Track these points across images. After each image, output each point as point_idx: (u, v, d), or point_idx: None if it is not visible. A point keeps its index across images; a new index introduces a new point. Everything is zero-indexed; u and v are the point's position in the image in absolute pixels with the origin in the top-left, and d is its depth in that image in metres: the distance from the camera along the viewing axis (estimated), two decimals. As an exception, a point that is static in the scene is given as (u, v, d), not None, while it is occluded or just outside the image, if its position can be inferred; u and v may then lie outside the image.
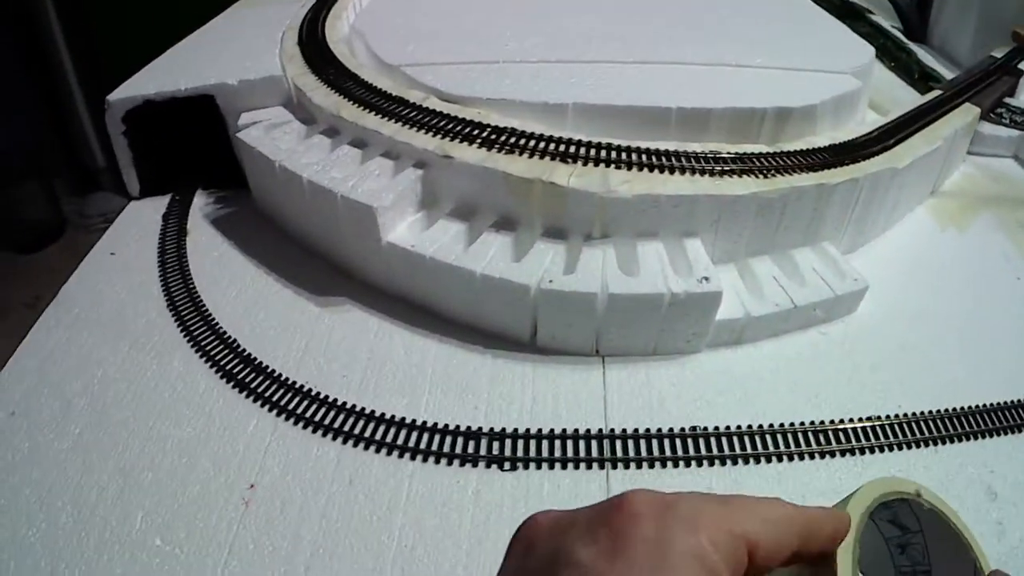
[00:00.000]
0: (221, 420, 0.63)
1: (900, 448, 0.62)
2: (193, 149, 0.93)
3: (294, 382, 0.67)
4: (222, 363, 0.69)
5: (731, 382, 0.67)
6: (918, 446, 0.62)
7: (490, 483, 0.58)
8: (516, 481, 0.58)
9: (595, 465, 0.59)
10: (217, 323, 0.74)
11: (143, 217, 0.93)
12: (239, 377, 0.67)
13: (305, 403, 0.64)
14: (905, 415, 0.64)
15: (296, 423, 0.63)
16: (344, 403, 0.64)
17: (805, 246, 0.75)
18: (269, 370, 0.68)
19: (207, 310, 0.76)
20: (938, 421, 0.63)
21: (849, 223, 0.77)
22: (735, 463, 0.60)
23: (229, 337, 0.72)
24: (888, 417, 0.64)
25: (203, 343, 0.72)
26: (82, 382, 0.67)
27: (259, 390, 0.66)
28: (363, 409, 0.63)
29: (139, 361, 0.70)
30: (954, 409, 0.64)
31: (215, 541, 0.53)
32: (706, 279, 0.65)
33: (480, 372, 0.67)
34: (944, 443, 0.62)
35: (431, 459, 0.59)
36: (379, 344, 0.70)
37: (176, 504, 0.56)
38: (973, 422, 0.64)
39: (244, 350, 0.70)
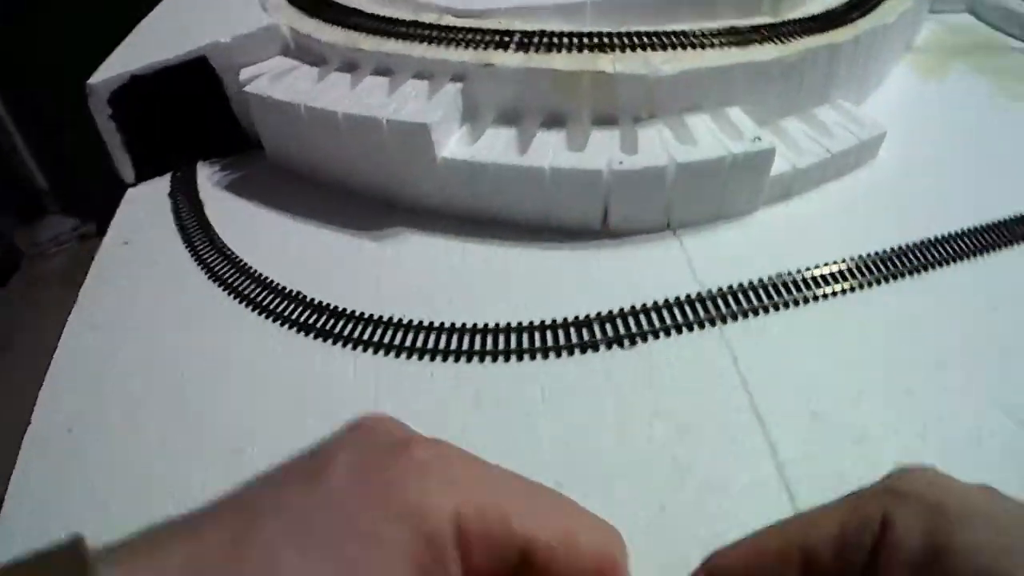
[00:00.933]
0: (321, 374, 0.61)
1: (943, 264, 0.66)
2: (188, 119, 0.89)
3: (380, 317, 0.65)
4: (298, 319, 0.66)
5: (792, 232, 0.70)
6: (963, 259, 0.67)
7: (616, 363, 0.59)
8: (639, 357, 0.60)
9: (707, 324, 0.62)
10: (275, 282, 0.71)
11: (146, 201, 0.88)
12: (321, 327, 0.65)
13: (401, 334, 0.64)
14: (944, 236, 0.69)
15: (398, 355, 0.62)
16: (441, 324, 0.63)
17: (823, 104, 0.80)
18: (350, 312, 0.66)
19: (258, 273, 0.73)
20: (976, 235, 0.69)
21: (852, 79, 0.82)
22: (816, 301, 0.64)
23: (295, 292, 0.69)
24: (932, 240, 0.69)
25: (268, 306, 0.68)
26: (146, 375, 0.63)
27: (348, 334, 0.64)
28: (463, 325, 0.63)
29: (204, 339, 0.66)
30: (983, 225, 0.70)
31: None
32: (758, 138, 0.69)
33: (565, 265, 0.68)
34: (981, 255, 0.67)
35: (551, 354, 0.60)
36: (453, 262, 0.70)
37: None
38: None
39: (317, 300, 0.68)
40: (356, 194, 0.79)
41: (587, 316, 0.62)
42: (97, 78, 0.85)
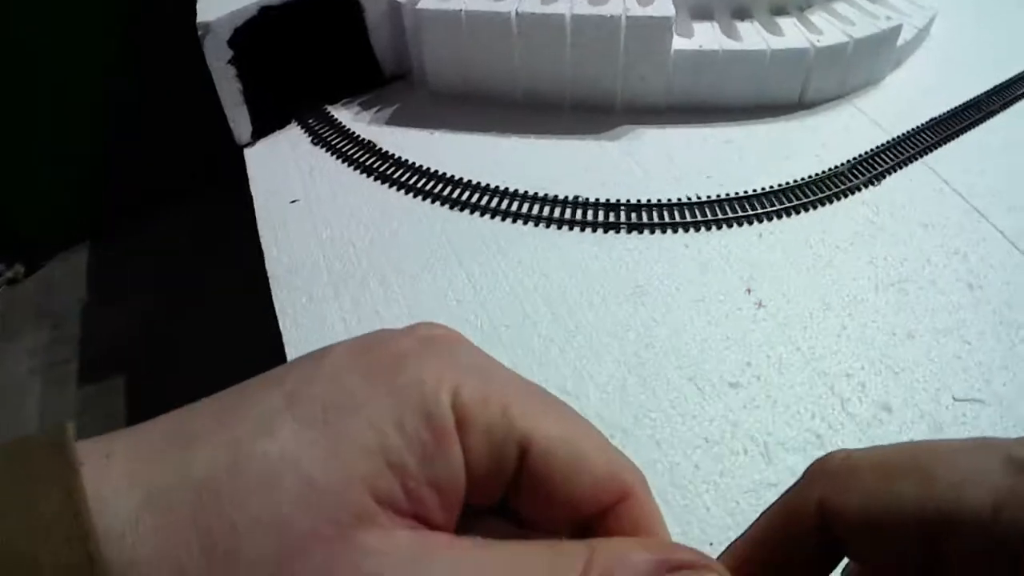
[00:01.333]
0: (595, 259, 0.66)
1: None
2: (317, 57, 0.81)
3: (648, 201, 0.69)
4: (573, 218, 0.69)
5: (920, 87, 0.87)
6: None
7: (844, 212, 0.70)
8: (879, 195, 0.72)
9: (915, 158, 0.75)
10: (526, 191, 0.72)
11: (282, 157, 0.80)
12: (603, 221, 0.69)
13: (671, 213, 0.69)
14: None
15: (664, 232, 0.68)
16: (706, 197, 0.70)
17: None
18: (625, 201, 0.69)
19: (503, 187, 0.72)
20: None
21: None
22: (976, 126, 0.80)
23: (559, 196, 0.70)
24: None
25: (535, 213, 0.69)
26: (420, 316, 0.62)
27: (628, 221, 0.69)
28: (726, 195, 0.70)
29: (475, 264, 0.66)
30: None
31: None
32: (889, 17, 0.83)
33: (783, 136, 0.78)
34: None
35: (802, 209, 0.70)
36: (694, 146, 0.76)
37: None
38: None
39: (584, 198, 0.70)
40: (556, 104, 0.80)
41: (831, 168, 0.73)
42: (212, 14, 0.74)
